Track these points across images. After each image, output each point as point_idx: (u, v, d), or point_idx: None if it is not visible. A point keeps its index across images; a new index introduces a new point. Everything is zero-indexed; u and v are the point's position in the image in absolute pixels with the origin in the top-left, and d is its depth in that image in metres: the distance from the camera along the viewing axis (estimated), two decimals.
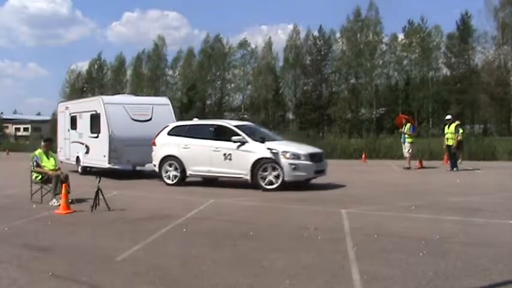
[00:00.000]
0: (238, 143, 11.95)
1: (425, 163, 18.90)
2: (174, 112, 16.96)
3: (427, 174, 16.02)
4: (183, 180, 12.91)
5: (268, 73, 65.51)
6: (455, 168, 16.26)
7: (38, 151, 9.98)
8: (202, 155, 12.53)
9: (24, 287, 4.44)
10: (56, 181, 9.34)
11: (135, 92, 71.77)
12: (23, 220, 7.81)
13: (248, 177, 11.77)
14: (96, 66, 77.62)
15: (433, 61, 60.86)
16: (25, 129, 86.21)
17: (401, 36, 62.20)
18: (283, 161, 11.43)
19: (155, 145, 13.46)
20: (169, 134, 13.48)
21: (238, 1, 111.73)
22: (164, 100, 17.79)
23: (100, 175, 8.79)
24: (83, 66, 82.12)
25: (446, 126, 17.19)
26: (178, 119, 16.33)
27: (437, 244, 5.79)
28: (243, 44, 67.93)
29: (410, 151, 17.47)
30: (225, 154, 12.09)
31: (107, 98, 16.88)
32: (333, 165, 21.16)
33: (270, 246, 5.88)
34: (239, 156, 11.87)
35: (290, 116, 68.31)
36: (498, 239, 6.08)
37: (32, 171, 9.87)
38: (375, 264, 4.98)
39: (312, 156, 11.79)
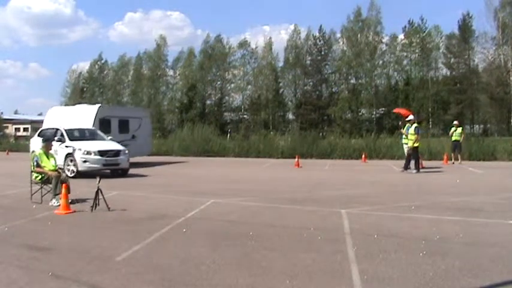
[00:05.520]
0: (59, 142, 15.93)
1: (425, 163, 18.91)
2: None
3: (427, 174, 16.03)
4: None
5: (269, 73, 65.48)
6: (414, 170, 16.10)
7: (38, 151, 10.00)
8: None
9: (24, 287, 4.44)
10: (56, 181, 9.34)
11: (135, 92, 72.08)
12: (23, 220, 7.81)
13: (64, 167, 15.58)
14: (97, 67, 77.57)
15: (433, 61, 60.89)
16: (25, 130, 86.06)
17: (401, 36, 62.32)
18: (77, 156, 15.42)
19: (30, 143, 18.01)
20: (38, 135, 18.06)
21: (241, 1, 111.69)
22: (91, 108, 21.46)
23: (100, 176, 8.79)
24: (84, 66, 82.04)
25: (410, 127, 16.82)
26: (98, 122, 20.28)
27: (437, 244, 5.79)
28: (243, 44, 67.89)
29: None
30: (55, 150, 15.04)
31: (54, 108, 23.23)
32: (332, 165, 21.24)
33: (270, 246, 5.88)
34: (61, 152, 15.71)
35: (290, 116, 68.23)
36: (498, 239, 6.09)
37: (32, 172, 9.87)
38: (375, 264, 4.98)
39: (102, 152, 15.47)
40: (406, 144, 17.50)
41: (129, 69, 75.32)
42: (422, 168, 17.93)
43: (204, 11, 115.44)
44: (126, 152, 16.37)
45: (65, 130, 16.85)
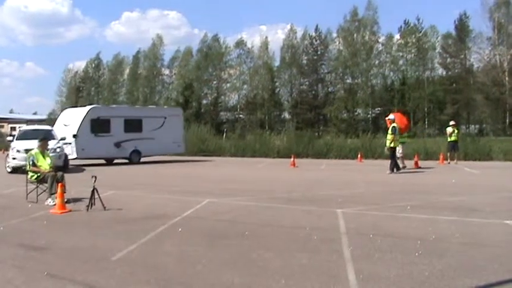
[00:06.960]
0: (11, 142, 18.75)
1: (421, 163, 18.96)
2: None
3: (423, 174, 16.07)
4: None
5: (265, 73, 65.41)
6: (389, 171, 15.93)
7: (34, 151, 9.97)
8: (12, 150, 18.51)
9: (19, 286, 4.42)
10: (51, 180, 9.31)
11: (131, 91, 71.92)
12: (19, 219, 7.78)
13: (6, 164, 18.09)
14: (93, 66, 77.28)
15: (429, 61, 60.98)
16: None
17: (397, 36, 62.38)
18: (11, 153, 17.55)
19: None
20: (17, 136, 19.55)
21: (238, 1, 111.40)
22: (83, 110, 22.42)
23: (95, 175, 8.77)
24: (80, 65, 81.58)
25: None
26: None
27: (433, 244, 5.80)
28: (240, 44, 67.75)
29: (401, 151, 17.27)
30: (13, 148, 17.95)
31: (67, 110, 25.00)
32: (328, 165, 21.27)
33: (266, 245, 5.88)
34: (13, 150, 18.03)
35: (286, 115, 68.14)
36: (494, 239, 6.11)
37: (27, 171, 9.83)
38: (371, 264, 4.99)
39: (27, 151, 16.65)
40: (400, 143, 17.36)
41: (124, 68, 75.10)
42: (418, 167, 18.01)
43: (201, 11, 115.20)
44: (58, 150, 17.40)
45: (21, 130, 19.30)
